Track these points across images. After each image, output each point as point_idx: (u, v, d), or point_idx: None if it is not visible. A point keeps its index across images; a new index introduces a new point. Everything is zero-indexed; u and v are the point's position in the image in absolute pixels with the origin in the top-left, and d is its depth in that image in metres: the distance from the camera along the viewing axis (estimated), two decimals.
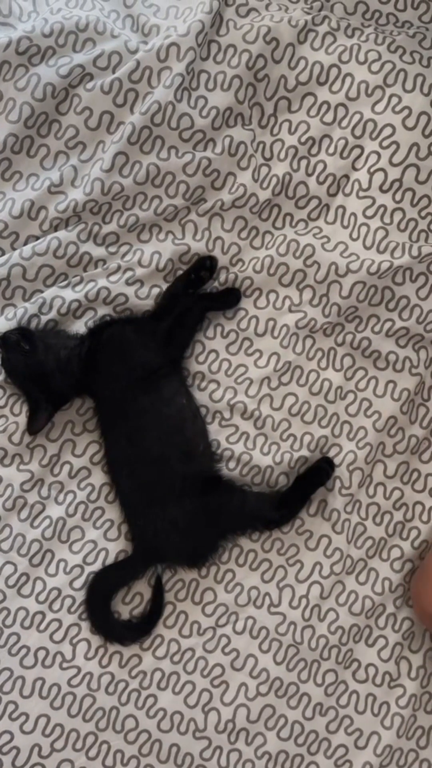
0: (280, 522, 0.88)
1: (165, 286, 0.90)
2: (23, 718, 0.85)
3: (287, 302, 0.91)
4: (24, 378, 0.85)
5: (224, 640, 0.88)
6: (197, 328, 0.91)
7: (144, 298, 0.89)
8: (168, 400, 0.86)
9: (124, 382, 0.85)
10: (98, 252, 0.89)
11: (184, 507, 0.84)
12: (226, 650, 0.88)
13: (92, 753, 0.86)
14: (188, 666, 0.88)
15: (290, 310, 0.91)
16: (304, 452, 0.91)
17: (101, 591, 0.87)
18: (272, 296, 0.92)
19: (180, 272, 0.90)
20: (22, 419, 0.86)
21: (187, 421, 0.87)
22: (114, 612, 0.88)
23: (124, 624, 0.88)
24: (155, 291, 0.90)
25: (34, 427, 0.85)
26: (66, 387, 0.86)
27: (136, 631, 0.87)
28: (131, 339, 0.86)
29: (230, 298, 0.91)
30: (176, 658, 0.88)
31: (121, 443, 0.86)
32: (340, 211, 0.91)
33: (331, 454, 0.91)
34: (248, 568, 0.90)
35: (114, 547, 0.88)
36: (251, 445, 0.91)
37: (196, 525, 0.85)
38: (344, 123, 0.90)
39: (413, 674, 0.91)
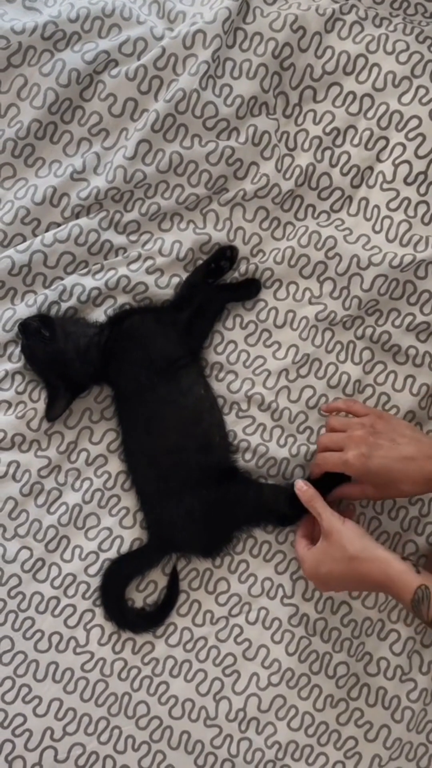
0: (293, 519, 0.88)
1: (185, 276, 0.90)
2: (36, 701, 0.86)
3: (307, 294, 0.91)
4: (43, 365, 0.85)
5: (237, 630, 0.89)
6: (217, 318, 0.90)
7: (164, 287, 0.89)
8: (186, 391, 0.86)
9: (143, 371, 0.85)
10: (119, 240, 0.89)
11: (200, 498, 0.84)
12: (239, 640, 0.89)
13: (104, 738, 0.87)
14: (200, 654, 0.89)
15: (310, 302, 0.91)
16: None
17: (116, 580, 0.88)
18: (292, 288, 0.91)
19: (200, 262, 0.90)
20: (41, 406, 0.87)
21: (204, 412, 0.87)
22: (128, 599, 0.88)
23: (137, 612, 0.88)
24: (175, 280, 0.90)
25: (52, 413, 0.86)
26: (85, 375, 0.86)
27: (150, 620, 0.88)
28: (151, 329, 0.86)
29: (250, 289, 0.90)
30: (189, 646, 0.88)
31: (138, 432, 0.86)
32: (363, 203, 0.90)
33: None
34: (262, 559, 0.90)
35: (129, 534, 0.89)
36: (268, 437, 0.91)
37: (211, 516, 0.85)
38: (370, 114, 0.89)
39: (425, 669, 0.92)
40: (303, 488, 0.82)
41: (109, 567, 0.87)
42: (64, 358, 0.84)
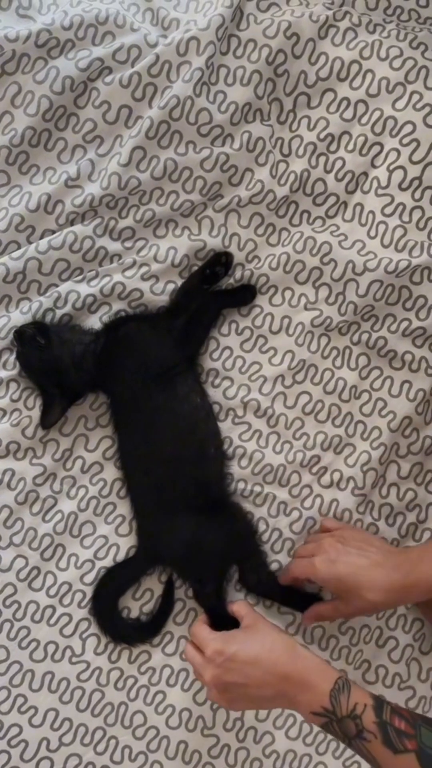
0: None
1: (180, 282, 0.90)
2: (32, 711, 0.86)
3: (303, 300, 0.91)
4: (38, 372, 0.85)
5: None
6: (213, 325, 0.90)
7: (159, 293, 0.89)
8: (182, 399, 0.85)
9: (139, 378, 0.85)
10: (114, 247, 0.89)
11: (190, 522, 0.84)
12: None
13: (100, 748, 0.86)
14: None
15: (306, 308, 0.91)
16: (317, 451, 0.90)
17: (107, 592, 0.87)
18: (288, 294, 0.91)
19: (195, 268, 0.90)
20: (36, 413, 0.86)
21: (200, 421, 0.87)
22: (124, 608, 0.88)
23: (131, 624, 0.87)
24: (170, 287, 0.89)
25: (47, 421, 0.85)
26: (80, 383, 0.86)
27: (145, 631, 0.87)
28: (147, 336, 0.86)
29: (245, 295, 0.90)
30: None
31: (134, 440, 0.86)
32: (358, 208, 0.90)
33: (344, 454, 0.91)
34: None
35: (125, 542, 0.88)
36: (264, 443, 0.90)
37: (197, 544, 0.84)
38: (364, 120, 0.89)
39: (423, 676, 0.91)
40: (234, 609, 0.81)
41: (99, 581, 0.87)
42: (60, 365, 0.83)
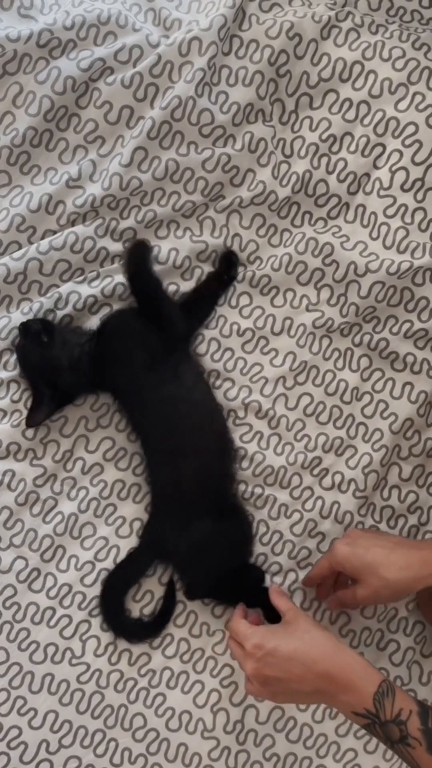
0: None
1: (182, 284, 0.89)
2: (32, 713, 0.85)
3: (305, 301, 0.91)
4: (35, 369, 0.84)
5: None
6: (211, 312, 0.90)
7: None
8: (191, 388, 0.85)
9: (137, 370, 0.84)
10: (115, 247, 0.89)
11: (204, 523, 0.83)
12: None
13: (100, 750, 0.86)
14: (197, 666, 0.88)
15: (307, 309, 0.90)
16: (318, 453, 0.90)
17: (115, 587, 0.87)
18: (289, 295, 0.91)
19: (197, 270, 0.90)
20: None
21: (215, 411, 0.87)
22: (125, 610, 0.87)
23: (135, 622, 0.87)
24: (171, 288, 0.89)
25: (33, 419, 0.84)
26: (73, 385, 0.85)
27: (147, 629, 0.87)
28: (132, 325, 0.85)
29: (230, 267, 0.90)
30: (186, 657, 0.87)
31: (155, 434, 0.85)
32: (360, 209, 0.90)
33: (345, 456, 0.90)
34: None
35: (125, 544, 0.88)
36: (265, 445, 0.90)
37: (205, 546, 0.84)
38: (366, 121, 0.89)
39: (424, 679, 0.91)
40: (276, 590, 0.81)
41: (108, 576, 0.86)
42: (57, 365, 0.83)
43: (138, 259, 0.85)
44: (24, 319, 0.86)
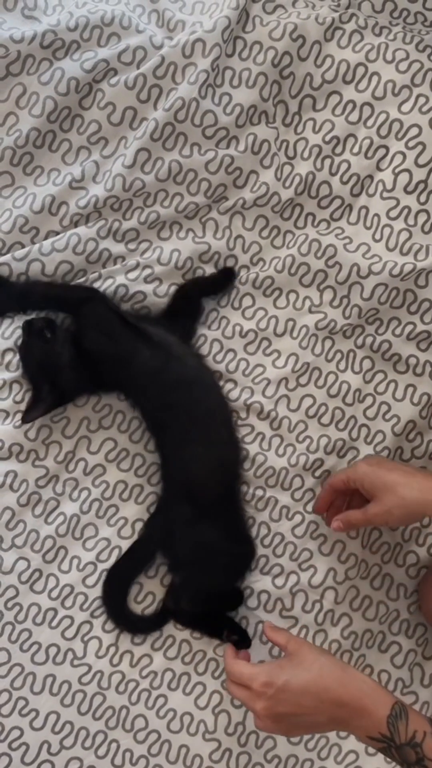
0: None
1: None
2: (33, 714, 0.85)
3: (307, 303, 0.91)
4: (36, 365, 0.84)
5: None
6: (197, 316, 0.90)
7: (162, 296, 0.89)
8: (198, 368, 0.87)
9: (123, 356, 0.84)
10: (117, 249, 0.89)
11: (211, 534, 0.84)
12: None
13: (101, 751, 0.86)
14: (199, 667, 0.88)
15: (310, 311, 0.90)
16: (320, 455, 0.90)
17: (119, 578, 0.87)
18: (292, 296, 0.91)
19: (199, 270, 0.90)
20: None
21: (221, 397, 0.88)
22: (128, 602, 0.87)
23: (138, 616, 0.87)
24: (173, 289, 0.89)
25: (29, 416, 0.84)
26: (72, 384, 0.85)
27: (150, 623, 0.87)
28: (104, 313, 0.85)
29: (225, 281, 0.90)
30: (187, 659, 0.88)
31: (163, 419, 0.85)
32: (363, 211, 0.90)
33: (347, 457, 0.90)
34: (259, 572, 0.89)
35: (127, 545, 0.88)
36: (266, 446, 0.90)
37: (205, 556, 0.85)
38: (370, 122, 0.89)
39: (426, 681, 0.91)
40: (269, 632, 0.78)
41: (110, 569, 0.87)
42: (58, 361, 0.83)
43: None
44: (26, 319, 0.86)
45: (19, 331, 0.86)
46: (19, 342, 0.86)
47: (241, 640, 0.85)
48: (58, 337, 0.83)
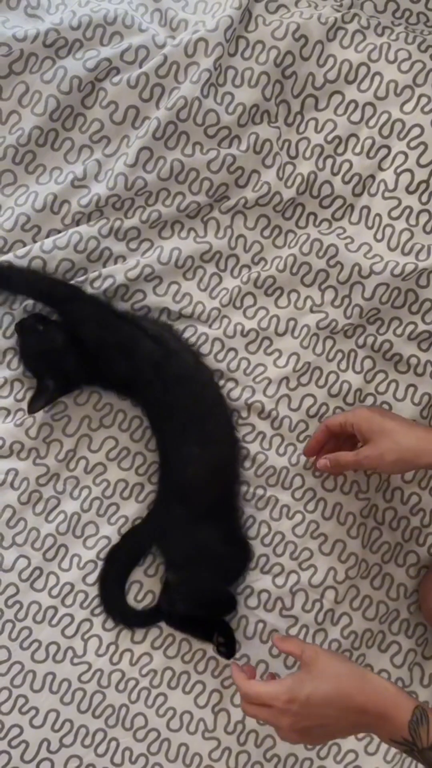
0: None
1: (183, 283, 0.89)
2: (33, 712, 0.85)
3: (309, 302, 0.91)
4: (35, 357, 0.84)
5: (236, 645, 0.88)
6: None
7: (162, 294, 0.89)
8: (178, 351, 0.86)
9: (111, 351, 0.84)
10: (119, 248, 0.89)
11: (210, 535, 0.84)
12: (237, 656, 0.88)
13: (101, 750, 0.86)
14: (199, 666, 0.88)
15: (311, 311, 0.91)
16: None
17: (116, 567, 0.87)
18: (293, 296, 0.91)
19: (199, 270, 0.90)
20: (40, 414, 0.86)
21: (217, 392, 0.88)
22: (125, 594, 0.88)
23: (134, 610, 0.87)
24: (173, 288, 0.89)
25: (34, 406, 0.83)
26: (73, 368, 0.84)
27: (147, 617, 0.87)
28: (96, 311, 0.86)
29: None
30: (187, 657, 0.88)
31: (161, 411, 0.85)
32: (365, 211, 0.90)
33: None
34: (259, 571, 0.89)
35: None
36: (267, 445, 0.90)
37: (203, 557, 0.85)
38: (372, 122, 0.89)
39: (426, 681, 0.91)
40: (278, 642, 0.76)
41: (107, 556, 0.87)
42: (54, 347, 0.83)
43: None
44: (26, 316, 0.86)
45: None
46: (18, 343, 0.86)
47: (226, 648, 0.85)
48: (51, 327, 0.84)
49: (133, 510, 0.88)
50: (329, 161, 0.90)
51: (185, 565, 0.85)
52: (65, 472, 0.88)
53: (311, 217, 0.91)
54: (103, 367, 0.85)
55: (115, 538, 0.88)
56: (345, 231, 0.90)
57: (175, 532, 0.84)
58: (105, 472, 0.88)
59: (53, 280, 0.86)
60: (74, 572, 0.87)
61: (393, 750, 0.88)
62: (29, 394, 0.87)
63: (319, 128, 0.90)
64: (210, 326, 0.91)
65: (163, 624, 0.88)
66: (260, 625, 0.89)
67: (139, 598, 0.88)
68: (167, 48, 0.87)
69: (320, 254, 0.89)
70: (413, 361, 0.90)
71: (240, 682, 0.72)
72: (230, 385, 0.90)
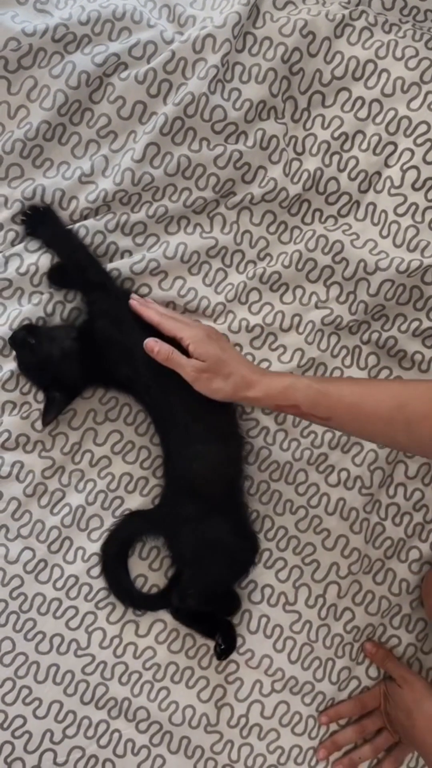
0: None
1: (188, 278, 0.90)
2: (36, 703, 0.86)
3: (314, 298, 0.91)
4: (35, 372, 0.85)
5: (239, 640, 0.88)
6: None
7: (167, 289, 0.89)
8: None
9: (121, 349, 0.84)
10: (125, 242, 0.89)
11: (218, 529, 0.84)
12: (241, 650, 0.89)
13: (103, 741, 0.87)
14: (203, 661, 0.88)
15: (317, 307, 0.91)
16: (325, 449, 0.90)
17: (118, 542, 0.87)
18: (299, 292, 0.91)
19: (205, 265, 0.90)
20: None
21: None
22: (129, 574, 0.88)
23: (140, 592, 0.88)
24: (179, 283, 0.90)
25: (47, 419, 0.85)
26: (72, 376, 0.84)
27: (157, 600, 0.88)
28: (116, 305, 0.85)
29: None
30: (191, 653, 0.88)
31: (163, 408, 0.85)
32: (371, 208, 0.90)
33: (352, 452, 0.91)
34: (263, 566, 0.90)
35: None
36: (271, 440, 0.90)
37: (212, 551, 0.85)
38: (378, 119, 0.89)
39: (424, 675, 0.91)
40: (372, 651, 0.83)
41: (109, 535, 0.87)
42: (51, 359, 0.83)
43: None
44: (35, 310, 0.86)
45: (26, 322, 0.86)
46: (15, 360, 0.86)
47: (223, 653, 0.86)
48: (42, 338, 0.83)
49: (137, 503, 0.89)
50: (336, 158, 0.90)
51: (197, 560, 0.85)
52: (70, 465, 0.88)
53: (317, 214, 0.91)
54: (106, 365, 0.85)
55: None
56: (351, 227, 0.90)
57: (184, 529, 0.84)
58: (110, 466, 0.89)
59: (91, 258, 0.86)
60: (79, 565, 0.87)
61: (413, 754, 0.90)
62: (34, 388, 0.87)
63: (325, 125, 0.90)
64: (215, 321, 0.91)
65: (167, 618, 0.88)
66: (264, 620, 0.89)
67: (145, 590, 0.88)
68: (175, 44, 0.87)
69: (326, 250, 0.90)
70: (418, 357, 0.90)
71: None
72: None
